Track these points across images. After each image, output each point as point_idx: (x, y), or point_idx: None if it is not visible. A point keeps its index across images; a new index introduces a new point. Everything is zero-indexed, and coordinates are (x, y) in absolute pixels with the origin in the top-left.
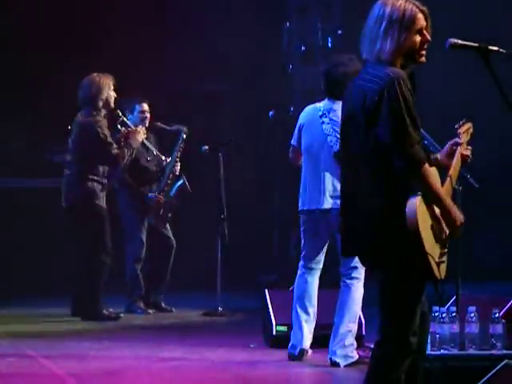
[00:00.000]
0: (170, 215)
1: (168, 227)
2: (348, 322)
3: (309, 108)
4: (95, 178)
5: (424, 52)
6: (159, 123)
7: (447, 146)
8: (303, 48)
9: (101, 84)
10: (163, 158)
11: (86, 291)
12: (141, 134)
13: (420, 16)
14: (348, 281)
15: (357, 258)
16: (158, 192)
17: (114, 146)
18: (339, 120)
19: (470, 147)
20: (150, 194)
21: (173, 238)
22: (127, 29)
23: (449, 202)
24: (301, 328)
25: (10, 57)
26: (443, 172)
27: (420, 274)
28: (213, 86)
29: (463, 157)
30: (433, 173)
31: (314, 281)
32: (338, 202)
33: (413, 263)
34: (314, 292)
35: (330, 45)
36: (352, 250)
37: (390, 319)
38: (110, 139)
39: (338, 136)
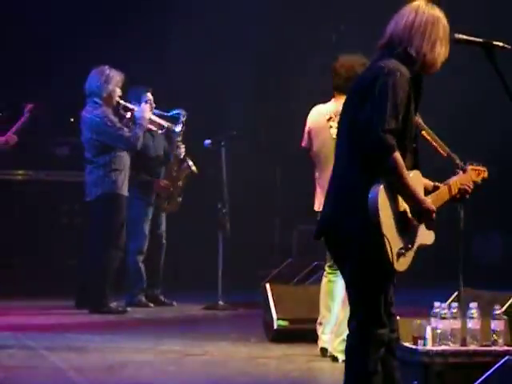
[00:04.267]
0: (180, 199)
1: (164, 221)
2: (345, 317)
3: (315, 111)
4: (116, 167)
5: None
6: (158, 111)
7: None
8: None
9: (110, 77)
10: (173, 127)
11: (95, 284)
12: (147, 111)
13: (447, 26)
14: (333, 276)
15: None
16: (166, 178)
17: (125, 129)
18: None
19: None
20: (157, 183)
21: (165, 232)
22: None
23: (417, 192)
24: (325, 327)
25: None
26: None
27: (376, 258)
28: (215, 78)
29: (461, 189)
30: (412, 176)
31: (339, 280)
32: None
33: (369, 246)
34: (337, 291)
35: (333, 40)
36: (318, 233)
37: (354, 309)
38: (119, 124)
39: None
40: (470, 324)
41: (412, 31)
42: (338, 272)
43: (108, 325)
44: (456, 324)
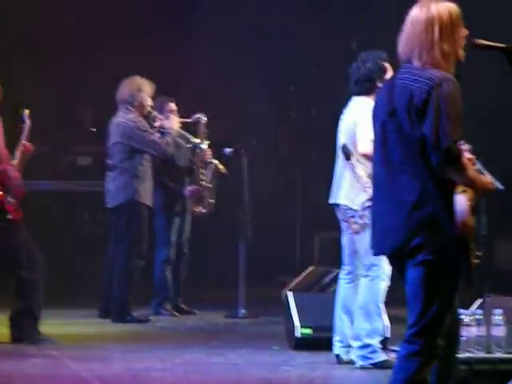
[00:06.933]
0: (212, 200)
1: (187, 231)
2: (361, 321)
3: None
4: (139, 175)
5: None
6: (180, 118)
7: None
8: (328, 50)
9: (141, 86)
10: (197, 141)
11: (117, 293)
12: (175, 121)
13: (447, 18)
14: (361, 279)
15: (366, 255)
16: (194, 183)
17: (157, 134)
18: (346, 116)
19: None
20: (185, 190)
21: (187, 242)
22: (150, 27)
23: (482, 180)
24: (336, 334)
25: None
26: None
27: (454, 272)
28: (236, 85)
29: None
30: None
31: (349, 286)
32: (342, 196)
33: (450, 262)
34: (351, 300)
35: (355, 46)
36: (383, 248)
37: (419, 319)
38: (151, 130)
39: (343, 132)
40: (495, 331)
41: (411, 43)
42: (351, 278)
43: (130, 334)
44: (480, 331)
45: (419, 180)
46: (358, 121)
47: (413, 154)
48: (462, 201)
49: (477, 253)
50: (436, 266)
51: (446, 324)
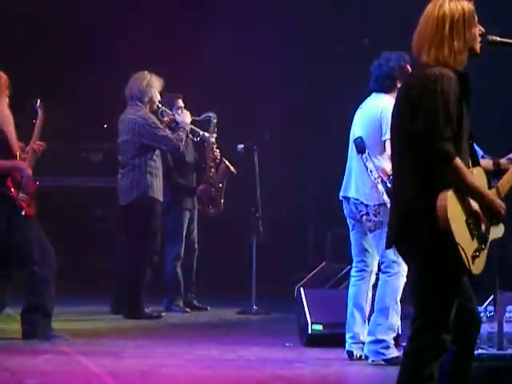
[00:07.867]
0: (222, 200)
1: (196, 227)
2: (377, 316)
3: None
4: (151, 171)
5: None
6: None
7: None
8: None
9: (151, 82)
10: (207, 135)
11: (130, 289)
12: (188, 117)
13: (474, 9)
14: (380, 275)
15: (385, 252)
16: (205, 182)
17: (168, 130)
18: (364, 110)
19: None
20: (197, 189)
21: (196, 237)
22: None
23: (484, 192)
24: (348, 331)
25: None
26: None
27: (451, 266)
28: (248, 83)
29: None
30: (475, 174)
31: (361, 283)
32: (353, 190)
33: (443, 255)
34: (362, 297)
35: (366, 44)
36: (389, 241)
37: (421, 313)
38: (162, 126)
39: (359, 125)
40: (507, 328)
41: (422, 39)
42: (362, 276)
43: (142, 330)
44: (492, 328)
45: (414, 174)
46: (384, 117)
47: (410, 148)
48: (442, 197)
49: (477, 247)
50: (431, 260)
51: (450, 319)
